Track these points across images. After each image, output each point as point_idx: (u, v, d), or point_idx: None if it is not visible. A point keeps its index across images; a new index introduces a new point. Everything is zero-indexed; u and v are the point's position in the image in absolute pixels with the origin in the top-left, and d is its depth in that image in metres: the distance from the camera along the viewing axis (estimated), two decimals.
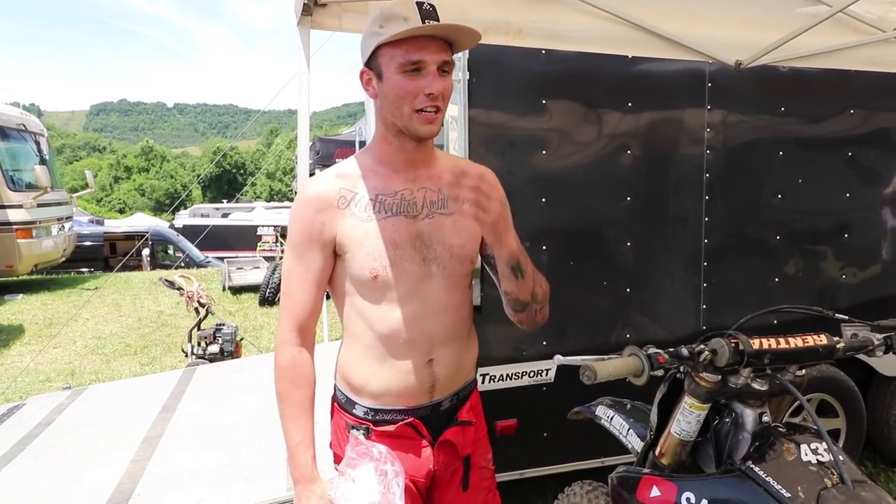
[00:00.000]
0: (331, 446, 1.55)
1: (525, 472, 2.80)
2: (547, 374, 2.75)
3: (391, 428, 1.42)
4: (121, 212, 47.35)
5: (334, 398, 1.54)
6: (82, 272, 13.06)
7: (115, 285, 10.64)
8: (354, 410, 1.45)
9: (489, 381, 2.66)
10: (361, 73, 1.34)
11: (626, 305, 2.84)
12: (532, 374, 2.73)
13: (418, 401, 1.43)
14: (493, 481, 1.65)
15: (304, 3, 1.75)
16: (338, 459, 1.44)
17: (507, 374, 2.69)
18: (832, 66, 2.50)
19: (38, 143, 10.03)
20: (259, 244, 13.39)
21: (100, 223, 19.93)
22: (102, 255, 14.83)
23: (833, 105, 3.01)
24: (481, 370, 2.61)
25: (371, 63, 1.31)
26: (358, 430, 1.42)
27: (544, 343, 2.73)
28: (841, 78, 2.91)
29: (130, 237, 15.20)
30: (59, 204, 10.26)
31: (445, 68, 1.29)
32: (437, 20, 1.26)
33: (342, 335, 1.48)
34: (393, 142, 1.35)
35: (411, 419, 1.42)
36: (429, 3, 1.27)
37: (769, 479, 1.17)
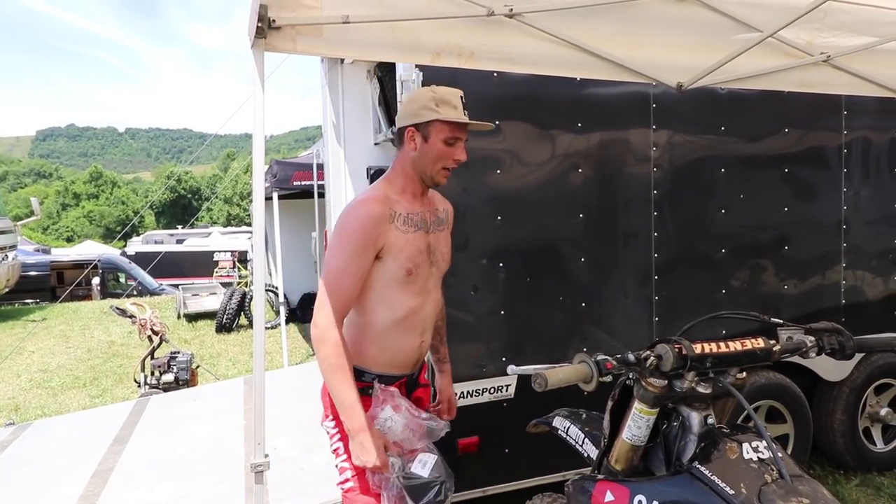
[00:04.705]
0: (322, 423, 1.92)
1: (487, 489, 2.81)
2: (507, 390, 2.78)
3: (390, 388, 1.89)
4: (69, 240, 45.64)
5: None
6: (27, 303, 12.54)
7: (63, 316, 10.26)
8: (364, 378, 1.86)
9: None
10: (408, 130, 1.83)
11: (581, 320, 2.90)
12: (492, 390, 2.76)
13: (407, 370, 1.96)
14: None
15: (258, 26, 1.76)
16: (343, 436, 1.82)
17: (468, 392, 2.70)
18: (767, 88, 2.66)
19: None
20: (216, 270, 13.12)
21: (46, 252, 19.18)
22: (49, 285, 14.30)
23: (769, 124, 3.18)
24: None
25: (421, 126, 1.80)
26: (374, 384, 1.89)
27: (503, 359, 2.76)
28: (776, 99, 3.09)
29: (79, 266, 14.68)
30: (2, 232, 9.89)
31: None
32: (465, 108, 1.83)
33: (355, 319, 1.88)
34: (417, 181, 1.89)
35: (404, 379, 1.96)
36: (462, 95, 1.84)
37: (714, 477, 1.23)
